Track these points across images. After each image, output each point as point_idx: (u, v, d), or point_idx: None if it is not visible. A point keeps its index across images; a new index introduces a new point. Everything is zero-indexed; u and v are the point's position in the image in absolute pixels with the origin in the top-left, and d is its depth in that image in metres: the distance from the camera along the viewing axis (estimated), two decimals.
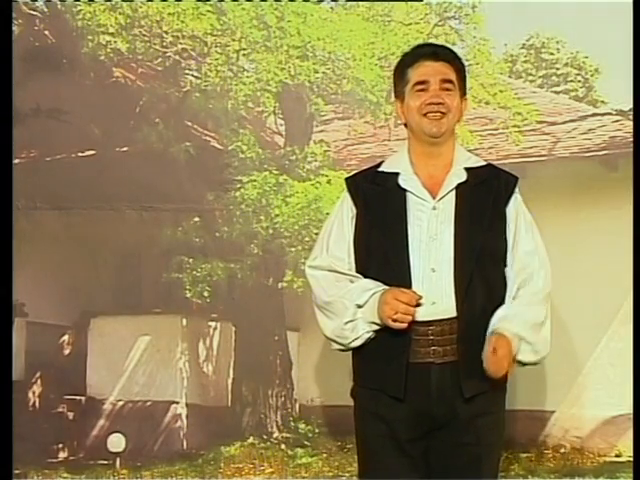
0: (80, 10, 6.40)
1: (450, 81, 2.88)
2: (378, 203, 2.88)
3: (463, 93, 2.94)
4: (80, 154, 6.88)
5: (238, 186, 6.39)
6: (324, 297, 2.89)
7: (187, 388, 6.76)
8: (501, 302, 2.85)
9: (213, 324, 6.94)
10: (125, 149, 6.71)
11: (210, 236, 6.53)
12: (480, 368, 2.75)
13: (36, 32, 6.80)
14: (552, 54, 9.09)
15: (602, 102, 8.11)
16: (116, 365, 6.82)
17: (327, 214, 3.37)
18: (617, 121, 6.55)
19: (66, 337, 7.22)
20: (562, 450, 6.18)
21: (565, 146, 6.56)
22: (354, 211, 2.92)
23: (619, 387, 5.98)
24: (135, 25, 6.44)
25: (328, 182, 6.28)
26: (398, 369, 2.78)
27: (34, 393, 6.84)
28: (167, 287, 6.76)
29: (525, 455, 5.99)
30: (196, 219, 6.58)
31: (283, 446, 6.44)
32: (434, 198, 2.85)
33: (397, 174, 2.90)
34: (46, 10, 6.84)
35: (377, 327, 2.80)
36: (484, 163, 2.99)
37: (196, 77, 6.66)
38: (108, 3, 6.40)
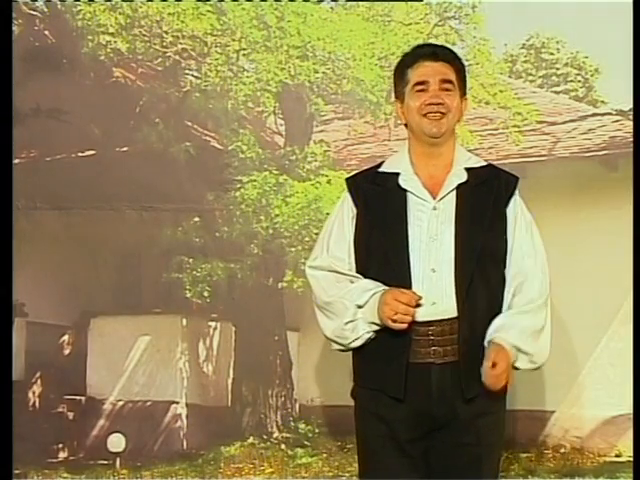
0: (80, 10, 6.40)
1: (450, 81, 2.88)
2: (378, 203, 2.88)
3: (463, 93, 2.94)
4: (80, 154, 6.88)
5: (238, 186, 6.39)
6: (324, 297, 2.89)
7: (187, 388, 6.76)
8: (501, 302, 2.85)
9: (213, 324, 6.94)
10: (125, 149, 6.72)
11: (210, 236, 6.53)
12: (481, 368, 2.75)
13: (36, 32, 6.80)
14: (552, 54, 9.09)
15: (602, 102, 8.10)
16: (116, 365, 6.82)
17: (327, 214, 3.38)
18: (617, 121, 6.55)
19: (66, 337, 7.22)
20: (562, 450, 6.18)
21: (565, 146, 6.56)
22: (354, 211, 2.91)
23: (619, 387, 5.98)
24: (135, 25, 6.44)
25: (328, 182, 6.28)
26: (398, 369, 2.78)
27: (34, 393, 6.84)
28: (167, 287, 6.76)
29: (525, 455, 5.99)
30: (196, 219, 6.58)
31: (283, 446, 6.45)
32: (434, 198, 2.85)
33: (397, 174, 2.90)
34: (46, 10, 6.84)
35: (377, 327, 2.80)
36: (484, 163, 2.99)
37: (196, 77, 6.66)
38: (108, 3, 6.40)
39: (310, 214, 6.17)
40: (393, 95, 3.01)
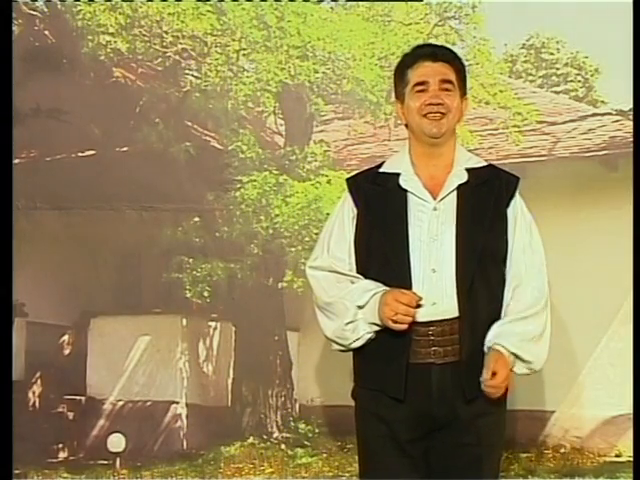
0: (80, 10, 6.40)
1: (449, 81, 2.88)
2: (379, 203, 2.88)
3: (463, 93, 2.95)
4: (80, 154, 6.88)
5: (238, 186, 6.39)
6: (325, 298, 2.89)
7: (187, 388, 6.75)
8: (502, 303, 2.85)
9: (213, 324, 6.93)
10: (125, 149, 6.71)
11: (210, 236, 6.53)
12: (482, 368, 2.76)
13: (36, 32, 6.80)
14: (552, 54, 9.08)
15: (602, 102, 8.09)
16: (116, 365, 6.82)
17: (327, 214, 3.38)
18: (617, 121, 6.55)
19: (66, 337, 7.21)
20: (562, 450, 6.17)
21: (565, 146, 6.56)
22: (355, 211, 2.92)
23: (619, 387, 5.97)
24: (135, 25, 6.44)
25: (328, 182, 6.28)
26: (398, 370, 2.79)
27: (34, 393, 6.84)
28: (167, 287, 6.76)
29: (525, 455, 5.99)
30: (196, 219, 6.58)
31: (283, 446, 6.44)
32: (435, 199, 2.86)
33: (398, 175, 2.90)
34: (46, 10, 6.83)
35: (378, 328, 2.80)
36: (485, 163, 2.99)
37: (196, 77, 6.65)
38: (108, 3, 6.39)
39: (310, 214, 6.17)
40: (393, 95, 3.01)
